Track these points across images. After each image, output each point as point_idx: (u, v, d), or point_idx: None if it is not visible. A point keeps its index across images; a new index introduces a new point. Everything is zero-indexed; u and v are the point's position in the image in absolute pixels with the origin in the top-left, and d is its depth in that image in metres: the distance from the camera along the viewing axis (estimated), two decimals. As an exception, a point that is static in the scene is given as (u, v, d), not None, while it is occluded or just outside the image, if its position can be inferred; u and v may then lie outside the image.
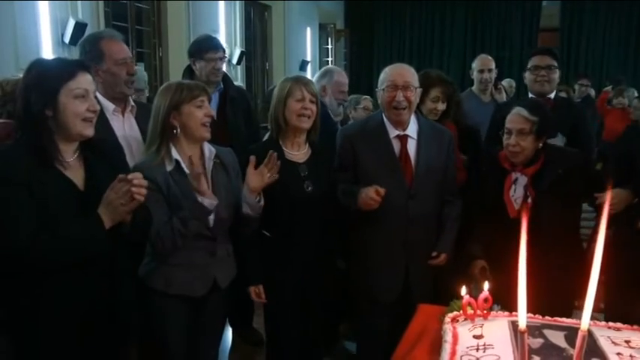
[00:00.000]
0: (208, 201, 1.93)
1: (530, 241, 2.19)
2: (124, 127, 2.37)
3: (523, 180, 2.25)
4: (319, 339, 2.60)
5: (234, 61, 7.02)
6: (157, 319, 2.01)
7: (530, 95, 2.97)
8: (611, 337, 1.34)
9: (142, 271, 2.02)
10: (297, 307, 2.35)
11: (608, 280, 2.23)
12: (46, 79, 1.58)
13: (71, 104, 1.58)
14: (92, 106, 1.62)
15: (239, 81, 7.31)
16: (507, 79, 7.35)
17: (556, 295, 1.98)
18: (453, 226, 2.44)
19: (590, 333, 1.35)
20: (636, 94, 4.96)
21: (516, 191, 2.26)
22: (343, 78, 3.34)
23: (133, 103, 2.44)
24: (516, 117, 2.22)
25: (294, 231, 2.25)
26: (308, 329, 2.42)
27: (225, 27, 6.87)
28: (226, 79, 3.14)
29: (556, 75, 2.91)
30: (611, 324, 1.43)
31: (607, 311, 2.20)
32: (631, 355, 1.24)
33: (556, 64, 2.91)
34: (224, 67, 3.00)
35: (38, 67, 1.62)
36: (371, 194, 2.19)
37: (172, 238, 1.92)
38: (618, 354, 1.25)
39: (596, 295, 2.37)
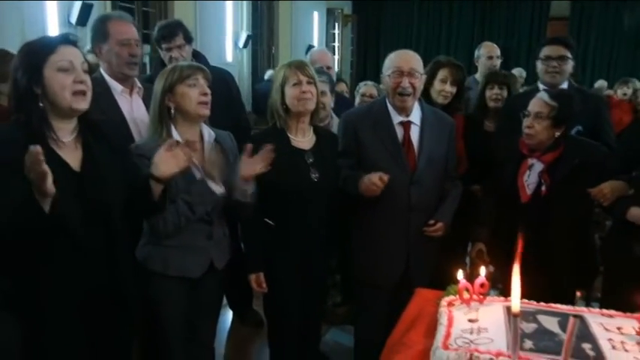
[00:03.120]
0: (218, 188, 1.95)
1: (540, 228, 2.22)
2: (132, 108, 2.38)
3: (539, 166, 2.28)
4: (319, 322, 2.64)
5: (241, 44, 7.00)
6: (155, 300, 2.03)
7: (540, 85, 2.92)
8: (603, 324, 1.36)
9: (138, 253, 2.03)
10: (298, 294, 2.37)
11: (606, 272, 2.26)
12: (29, 56, 1.57)
13: (56, 77, 1.56)
14: (78, 77, 1.59)
15: (245, 64, 7.30)
16: (518, 69, 7.31)
17: (560, 284, 2.01)
18: (452, 201, 2.45)
19: (583, 319, 1.38)
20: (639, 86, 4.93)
21: (530, 177, 2.29)
22: (316, 54, 3.32)
23: (139, 85, 2.44)
24: (537, 100, 2.29)
25: (299, 218, 2.24)
26: (308, 313, 2.45)
27: (233, 9, 6.84)
28: (200, 60, 3.02)
29: (568, 66, 2.82)
30: (604, 311, 1.46)
31: (603, 301, 2.23)
32: (622, 342, 1.26)
33: (569, 54, 2.81)
34: (185, 54, 2.88)
35: (24, 46, 1.61)
36: (374, 180, 2.19)
37: (177, 222, 1.94)
38: (609, 340, 1.27)
39: (594, 284, 2.39)
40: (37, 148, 1.33)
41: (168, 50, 2.87)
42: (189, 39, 2.91)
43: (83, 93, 1.61)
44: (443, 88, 2.77)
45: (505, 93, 3.00)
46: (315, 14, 9.51)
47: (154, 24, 5.85)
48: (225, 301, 3.41)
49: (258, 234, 2.27)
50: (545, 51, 2.84)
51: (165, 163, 1.73)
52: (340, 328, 3.38)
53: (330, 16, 10.37)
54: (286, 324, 2.40)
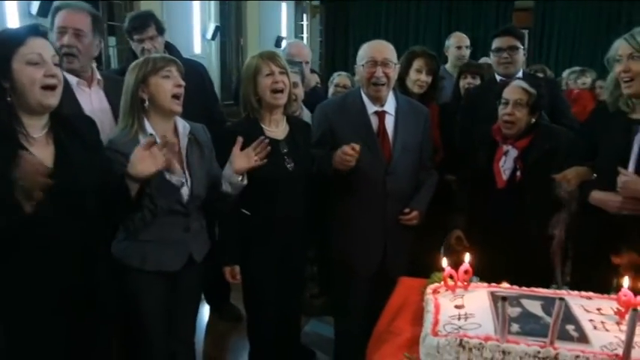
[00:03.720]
0: (176, 178, 1.92)
1: (515, 212, 2.27)
2: (92, 102, 2.29)
3: (514, 152, 2.33)
4: (299, 314, 2.64)
5: (209, 36, 6.89)
6: (133, 296, 2.01)
7: (497, 77, 2.97)
8: (583, 306, 1.40)
9: (115, 248, 1.99)
10: (276, 285, 2.36)
11: (574, 256, 2.32)
12: None
13: (25, 71, 1.49)
14: (49, 70, 1.53)
15: (213, 56, 7.19)
16: (484, 58, 7.40)
17: (535, 267, 2.06)
18: (428, 190, 2.48)
19: (564, 301, 1.40)
20: (595, 76, 5.10)
21: (506, 162, 2.34)
22: (294, 49, 3.30)
23: (99, 76, 2.35)
24: (515, 88, 2.32)
25: (275, 209, 2.24)
26: (287, 305, 2.45)
27: (200, 0, 6.72)
28: (172, 52, 2.97)
29: (520, 55, 2.89)
30: (583, 293, 1.49)
31: (572, 285, 2.29)
32: (602, 322, 1.30)
33: (519, 44, 2.88)
34: (158, 45, 2.82)
35: None
36: (347, 149, 2.18)
37: (142, 216, 1.91)
38: (591, 320, 1.31)
39: (564, 269, 2.44)
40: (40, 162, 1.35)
41: (140, 42, 2.80)
42: (161, 30, 2.85)
43: (53, 87, 1.55)
44: (418, 78, 2.79)
45: (478, 82, 3.04)
46: (284, 5, 9.42)
47: (120, 16, 5.71)
48: (202, 295, 3.39)
49: (234, 226, 2.25)
50: (496, 43, 2.91)
51: (143, 162, 1.68)
52: (319, 319, 3.39)
53: (299, 7, 10.30)
54: (265, 316, 2.41)
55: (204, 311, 3.49)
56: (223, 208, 2.17)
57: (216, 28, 6.96)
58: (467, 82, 3.08)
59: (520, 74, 2.91)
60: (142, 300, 2.01)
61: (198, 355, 2.44)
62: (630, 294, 1.31)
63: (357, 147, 2.19)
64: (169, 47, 2.98)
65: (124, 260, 1.98)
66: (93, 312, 1.70)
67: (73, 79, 2.23)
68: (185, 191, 1.99)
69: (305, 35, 10.51)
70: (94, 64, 2.44)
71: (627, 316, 1.28)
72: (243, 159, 2.02)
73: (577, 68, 5.29)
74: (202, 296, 3.39)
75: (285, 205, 2.26)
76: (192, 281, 2.15)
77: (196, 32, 6.70)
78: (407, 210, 2.40)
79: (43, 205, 1.48)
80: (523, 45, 2.91)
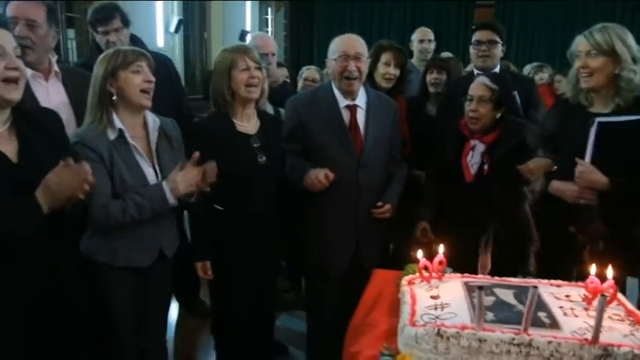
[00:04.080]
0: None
1: (483, 204, 2.31)
2: (49, 95, 2.21)
3: (481, 147, 2.37)
4: (272, 311, 2.63)
5: (172, 29, 6.78)
6: (103, 292, 1.97)
7: (473, 70, 3.03)
8: (553, 293, 1.45)
9: (84, 245, 1.95)
10: (247, 282, 2.35)
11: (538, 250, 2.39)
12: None
13: None
14: (10, 63, 1.48)
15: (177, 50, 7.07)
16: (445, 53, 7.51)
17: (502, 258, 2.10)
18: (399, 183, 2.51)
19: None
20: (552, 71, 5.27)
21: (473, 157, 2.38)
22: (260, 41, 3.28)
23: (57, 68, 2.28)
24: (479, 85, 2.36)
25: (248, 203, 2.23)
26: (259, 302, 2.44)
27: (163, -6, 6.59)
28: (137, 45, 2.88)
29: (498, 50, 2.94)
30: (553, 282, 1.54)
31: (537, 275, 2.36)
32: (572, 308, 1.34)
33: (498, 38, 2.93)
34: (123, 38, 2.77)
35: None
36: (320, 177, 2.22)
37: (121, 221, 1.88)
38: (561, 307, 1.35)
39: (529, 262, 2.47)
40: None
41: (104, 34, 2.73)
42: (126, 22, 2.79)
43: (15, 80, 1.50)
44: (387, 71, 2.80)
45: (444, 77, 3.07)
46: (248, -1, 9.35)
47: (79, 7, 5.54)
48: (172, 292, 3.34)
49: (206, 221, 2.23)
50: (476, 35, 2.96)
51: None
52: (290, 314, 3.40)
53: (263, 1, 10.22)
54: (237, 312, 2.38)
55: (174, 308, 3.45)
56: (190, 204, 2.15)
57: (180, 22, 6.85)
58: (433, 77, 3.10)
59: (497, 68, 2.96)
60: (112, 296, 1.98)
61: (168, 351, 2.42)
62: (597, 281, 1.37)
63: (331, 176, 2.22)
64: (134, 40, 2.91)
65: (93, 257, 1.94)
66: (60, 310, 1.66)
67: (27, 72, 2.14)
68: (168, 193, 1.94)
69: (269, 29, 10.44)
70: (55, 57, 2.37)
71: (596, 302, 1.33)
72: (194, 174, 1.95)
73: (536, 64, 5.44)
74: (173, 293, 3.36)
75: (257, 200, 2.25)
76: (162, 277, 2.12)
77: (159, 25, 6.58)
78: (379, 204, 2.41)
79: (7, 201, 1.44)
80: (502, 40, 2.95)
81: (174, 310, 3.44)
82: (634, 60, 2.03)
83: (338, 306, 2.45)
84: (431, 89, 3.11)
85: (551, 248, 2.24)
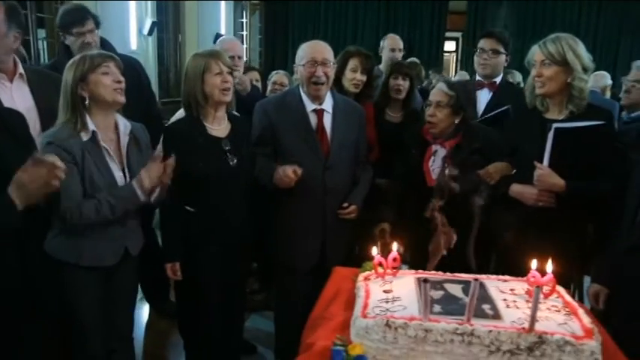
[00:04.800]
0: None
1: (445, 207, 2.37)
2: (13, 97, 2.21)
3: (442, 152, 2.45)
4: (241, 312, 2.68)
5: (145, 31, 6.74)
6: (69, 292, 2.00)
7: (476, 77, 3.06)
8: (499, 287, 1.54)
9: (49, 244, 1.97)
10: (216, 282, 2.40)
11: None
12: None
13: None
14: None
15: (150, 52, 7.04)
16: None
17: (458, 255, 2.21)
18: (364, 185, 2.59)
19: (483, 285, 1.54)
20: (521, 78, 5.35)
21: (435, 162, 2.46)
22: (227, 44, 3.31)
23: (22, 70, 2.27)
24: (437, 90, 2.46)
25: (219, 205, 2.28)
26: (228, 303, 2.48)
27: (136, -4, 6.55)
28: (107, 49, 2.88)
29: (500, 59, 2.96)
30: (500, 277, 1.64)
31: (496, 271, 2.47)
32: (514, 301, 1.44)
33: (501, 48, 2.95)
34: (96, 39, 2.81)
35: None
36: (288, 172, 2.28)
37: (93, 219, 1.92)
38: (504, 300, 1.45)
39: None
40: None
41: (79, 35, 2.75)
42: (98, 24, 2.81)
43: None
44: (354, 77, 2.88)
45: (407, 84, 3.07)
46: (222, 2, 9.35)
47: (49, 8, 5.49)
48: (141, 294, 3.36)
49: (176, 223, 2.27)
50: (480, 43, 3.01)
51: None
52: (259, 314, 3.44)
53: (238, 4, 10.24)
54: (206, 312, 2.42)
55: (145, 309, 3.47)
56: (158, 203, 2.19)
57: (153, 24, 6.81)
58: (396, 82, 3.07)
59: (499, 78, 3.00)
60: (78, 296, 2.01)
61: (138, 352, 2.44)
62: (538, 275, 1.46)
63: (299, 171, 2.28)
64: (103, 43, 2.94)
65: (59, 256, 1.96)
66: (25, 310, 1.69)
67: None
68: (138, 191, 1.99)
69: (244, 33, 10.45)
70: (24, 58, 2.37)
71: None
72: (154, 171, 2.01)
73: (507, 70, 5.57)
74: (142, 295, 3.38)
75: (228, 201, 2.30)
76: (128, 276, 2.16)
77: (132, 28, 6.54)
78: (345, 204, 2.49)
79: None
80: (507, 50, 2.97)
81: (144, 312, 3.46)
82: (585, 69, 2.14)
83: (304, 304, 2.51)
84: (393, 94, 3.10)
85: (509, 249, 2.33)
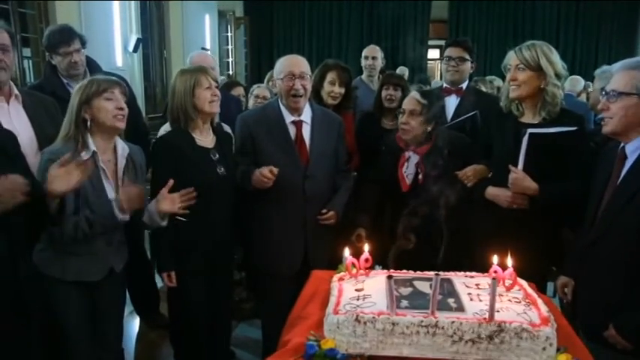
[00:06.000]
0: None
1: (421, 211, 2.47)
2: (10, 118, 2.27)
3: (415, 158, 2.55)
4: (229, 318, 2.74)
5: (130, 48, 6.83)
6: (54, 306, 2.06)
7: (443, 84, 3.19)
8: (465, 283, 1.63)
9: (36, 257, 2.04)
10: (206, 289, 2.47)
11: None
12: None
13: None
14: None
15: (136, 69, 7.12)
16: (401, 67, 7.81)
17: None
18: (344, 192, 2.67)
19: (450, 280, 1.64)
20: (501, 83, 5.47)
21: (409, 168, 2.56)
22: (197, 58, 3.40)
23: (16, 91, 2.35)
24: (410, 99, 2.55)
25: (209, 213, 2.36)
26: (216, 311, 2.56)
27: (121, 12, 6.64)
28: (93, 67, 3.06)
29: (466, 66, 3.08)
30: (467, 273, 1.73)
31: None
32: (478, 294, 1.53)
33: (467, 56, 3.08)
34: (83, 58, 2.89)
35: None
36: (265, 172, 2.37)
37: (74, 235, 1.99)
38: (469, 294, 1.53)
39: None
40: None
41: (66, 55, 2.83)
42: (84, 43, 2.90)
43: None
44: (332, 90, 2.99)
45: (399, 94, 3.16)
46: (207, 17, 9.46)
47: (33, 26, 5.57)
48: (132, 307, 3.41)
49: (168, 232, 2.34)
50: (447, 52, 3.13)
51: (59, 179, 1.76)
52: (248, 323, 3.51)
53: (222, 18, 10.36)
54: (194, 319, 2.49)
55: (135, 322, 3.52)
56: (144, 229, 2.27)
57: (138, 40, 6.90)
58: (388, 93, 3.19)
59: (465, 84, 3.12)
60: (63, 310, 2.07)
61: (130, 363, 2.50)
62: (500, 270, 1.56)
63: (276, 171, 2.37)
64: (89, 61, 3.02)
65: (45, 270, 2.03)
66: (16, 323, 1.74)
67: None
68: (116, 210, 2.07)
69: (230, 47, 10.55)
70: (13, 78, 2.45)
71: (500, 288, 1.53)
72: (168, 203, 2.14)
73: (476, 78, 5.70)
74: (132, 307, 3.43)
75: (217, 209, 2.40)
76: (113, 289, 2.23)
77: (118, 45, 6.62)
78: (324, 210, 2.57)
79: None
80: (472, 58, 3.10)
81: (135, 324, 3.51)
82: (557, 76, 2.25)
83: (290, 308, 2.57)
84: (386, 104, 3.21)
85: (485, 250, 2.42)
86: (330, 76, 3.00)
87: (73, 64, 2.85)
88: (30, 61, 5.65)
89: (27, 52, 5.63)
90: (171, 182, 2.14)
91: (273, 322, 2.70)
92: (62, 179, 1.76)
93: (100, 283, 2.13)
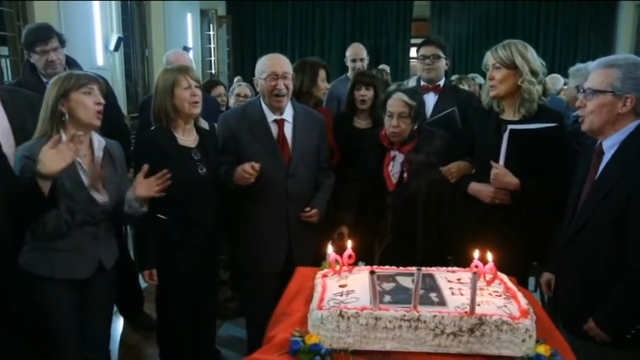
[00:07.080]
0: (101, 198, 2.01)
1: (407, 211, 2.49)
2: None
3: (400, 157, 2.57)
4: (213, 316, 2.74)
5: (111, 47, 6.76)
6: (43, 305, 2.04)
7: (421, 82, 3.20)
8: (447, 277, 1.66)
9: (23, 258, 2.02)
10: (190, 288, 2.47)
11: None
12: None
13: None
14: None
15: (117, 68, 7.06)
16: (383, 65, 7.84)
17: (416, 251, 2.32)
18: (326, 190, 2.69)
19: (432, 275, 1.66)
20: (483, 81, 5.53)
21: (394, 167, 2.57)
22: (172, 57, 3.40)
23: None
24: (398, 101, 2.54)
25: (191, 212, 2.37)
26: (200, 310, 2.56)
27: (101, 11, 6.57)
28: (73, 66, 3.02)
29: (441, 63, 3.12)
30: (449, 268, 1.76)
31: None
32: (459, 289, 1.55)
33: (441, 53, 3.11)
34: (61, 57, 2.87)
35: None
36: (246, 168, 2.37)
37: (56, 226, 1.97)
38: (450, 288, 1.56)
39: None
40: None
41: (43, 53, 2.80)
42: (63, 42, 2.87)
43: None
44: (326, 86, 3.04)
45: (371, 93, 3.12)
46: (189, 15, 9.40)
47: (11, 25, 5.49)
48: (115, 307, 3.38)
49: (149, 230, 2.35)
50: (421, 51, 3.16)
51: (51, 159, 1.77)
52: (233, 322, 3.51)
53: (204, 17, 10.30)
54: (179, 319, 2.49)
55: (119, 322, 3.49)
56: (130, 223, 2.25)
57: (119, 39, 6.84)
58: (360, 93, 3.13)
59: (442, 82, 3.15)
60: (52, 309, 2.05)
61: (114, 365, 2.48)
62: (480, 264, 1.58)
63: (257, 166, 2.37)
64: (69, 61, 2.99)
65: (33, 270, 2.01)
66: (4, 323, 1.73)
67: None
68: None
69: (212, 45, 10.51)
70: None
71: (481, 282, 1.56)
72: (144, 187, 2.12)
73: (456, 76, 5.75)
74: (116, 307, 3.40)
75: (198, 210, 2.39)
76: (103, 288, 2.21)
77: (98, 44, 6.55)
78: (307, 208, 2.58)
79: None
80: (445, 55, 3.14)
81: (119, 325, 3.49)
82: (534, 73, 2.27)
83: (274, 306, 2.58)
84: (358, 105, 3.16)
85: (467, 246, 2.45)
86: (322, 73, 3.02)
87: (50, 63, 2.82)
88: (7, 60, 5.57)
89: (4, 50, 5.56)
90: (146, 167, 2.12)
91: (258, 320, 2.70)
92: (55, 158, 1.78)
93: (89, 281, 2.12)
